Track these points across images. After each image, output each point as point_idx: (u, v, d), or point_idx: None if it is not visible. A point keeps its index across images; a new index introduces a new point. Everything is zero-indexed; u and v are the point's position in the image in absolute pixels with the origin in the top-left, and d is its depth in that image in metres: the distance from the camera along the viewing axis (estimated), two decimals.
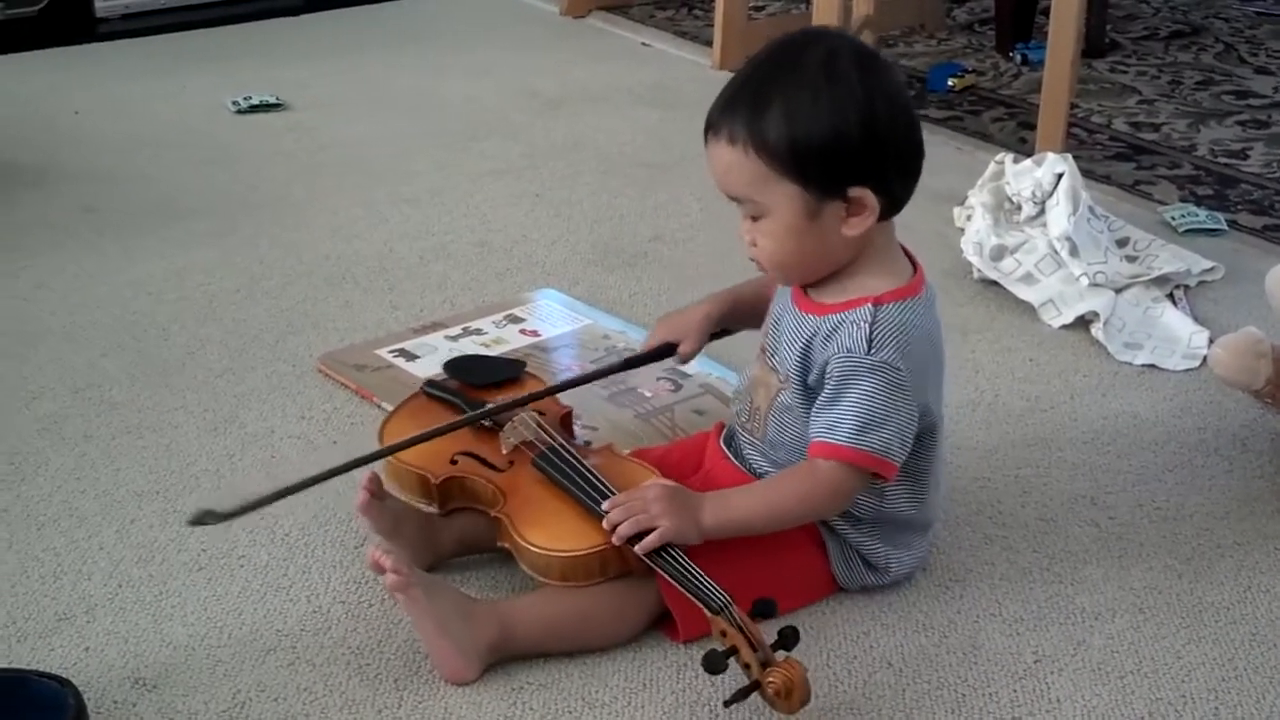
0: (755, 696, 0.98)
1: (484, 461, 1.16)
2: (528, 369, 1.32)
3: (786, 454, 1.13)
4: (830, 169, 1.05)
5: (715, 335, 1.26)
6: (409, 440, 1.15)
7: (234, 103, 2.33)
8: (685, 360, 1.25)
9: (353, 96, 2.42)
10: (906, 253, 1.14)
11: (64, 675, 1.00)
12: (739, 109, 1.06)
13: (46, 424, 1.41)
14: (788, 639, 0.99)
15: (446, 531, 1.18)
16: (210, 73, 2.50)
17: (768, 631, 1.00)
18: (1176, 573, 1.21)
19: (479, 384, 1.28)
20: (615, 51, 2.70)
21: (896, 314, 1.08)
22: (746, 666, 0.98)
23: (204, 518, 1.07)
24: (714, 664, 0.98)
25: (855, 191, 1.06)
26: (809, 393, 1.11)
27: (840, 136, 1.04)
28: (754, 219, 1.09)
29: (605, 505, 1.07)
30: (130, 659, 1.08)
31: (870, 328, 1.07)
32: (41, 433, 1.40)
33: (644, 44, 2.73)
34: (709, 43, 2.61)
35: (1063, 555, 1.23)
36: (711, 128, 1.08)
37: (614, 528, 1.05)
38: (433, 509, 1.16)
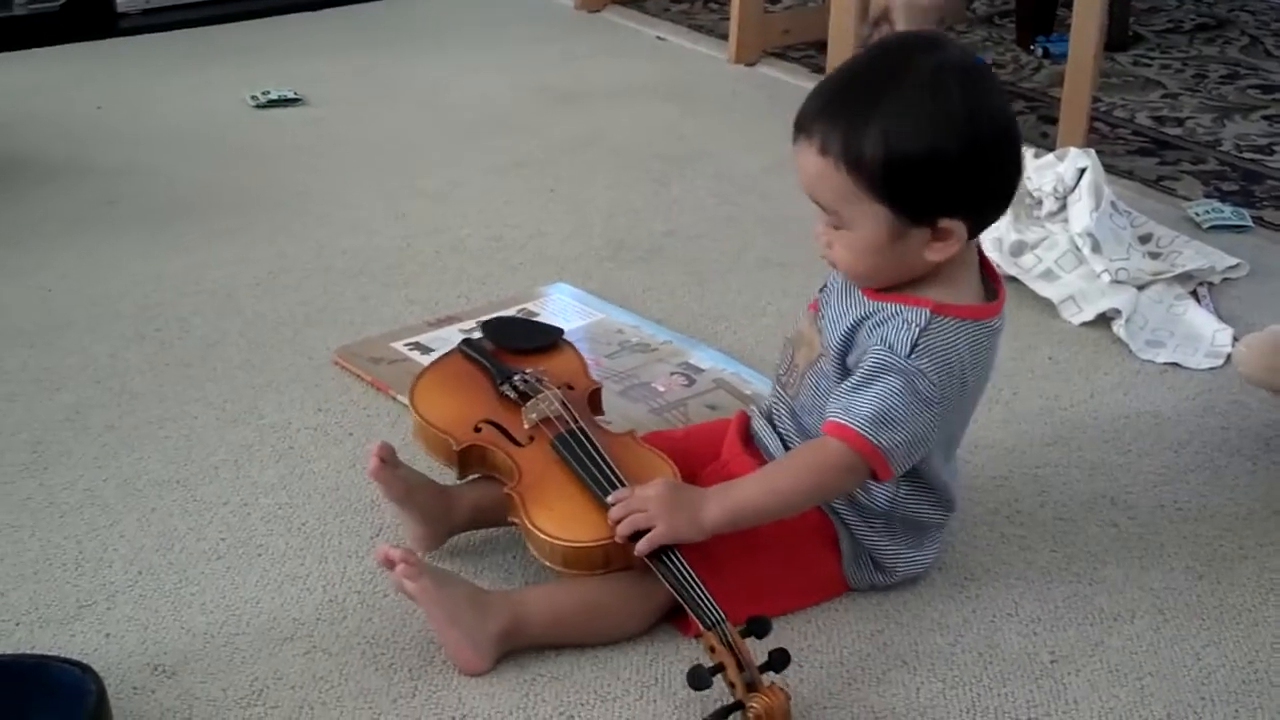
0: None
1: (506, 433, 1.17)
2: (564, 336, 1.32)
3: (815, 420, 1.11)
4: (923, 197, 1.02)
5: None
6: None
7: (253, 97, 2.33)
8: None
9: (370, 91, 2.42)
10: (993, 275, 1.11)
11: (85, 661, 1.01)
12: (835, 119, 1.02)
13: (69, 414, 1.42)
14: (777, 662, 0.99)
15: (463, 499, 1.18)
16: (230, 68, 2.51)
17: (760, 651, 0.99)
18: (1197, 574, 1.20)
19: (514, 348, 1.27)
20: (630, 46, 2.70)
21: (951, 330, 1.05)
22: (731, 686, 0.97)
23: None
24: (699, 680, 0.97)
25: (945, 222, 1.03)
26: (845, 371, 1.09)
27: (938, 164, 1.00)
28: (834, 226, 1.06)
29: (610, 499, 1.07)
30: (150, 646, 1.09)
31: (920, 332, 1.04)
32: (64, 422, 1.41)
33: (659, 38, 2.72)
34: (725, 37, 2.60)
35: (1081, 555, 1.22)
36: (803, 131, 1.04)
37: (616, 524, 1.05)
38: (452, 470, 1.17)
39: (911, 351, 1.04)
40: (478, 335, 1.31)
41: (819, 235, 1.09)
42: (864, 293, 1.10)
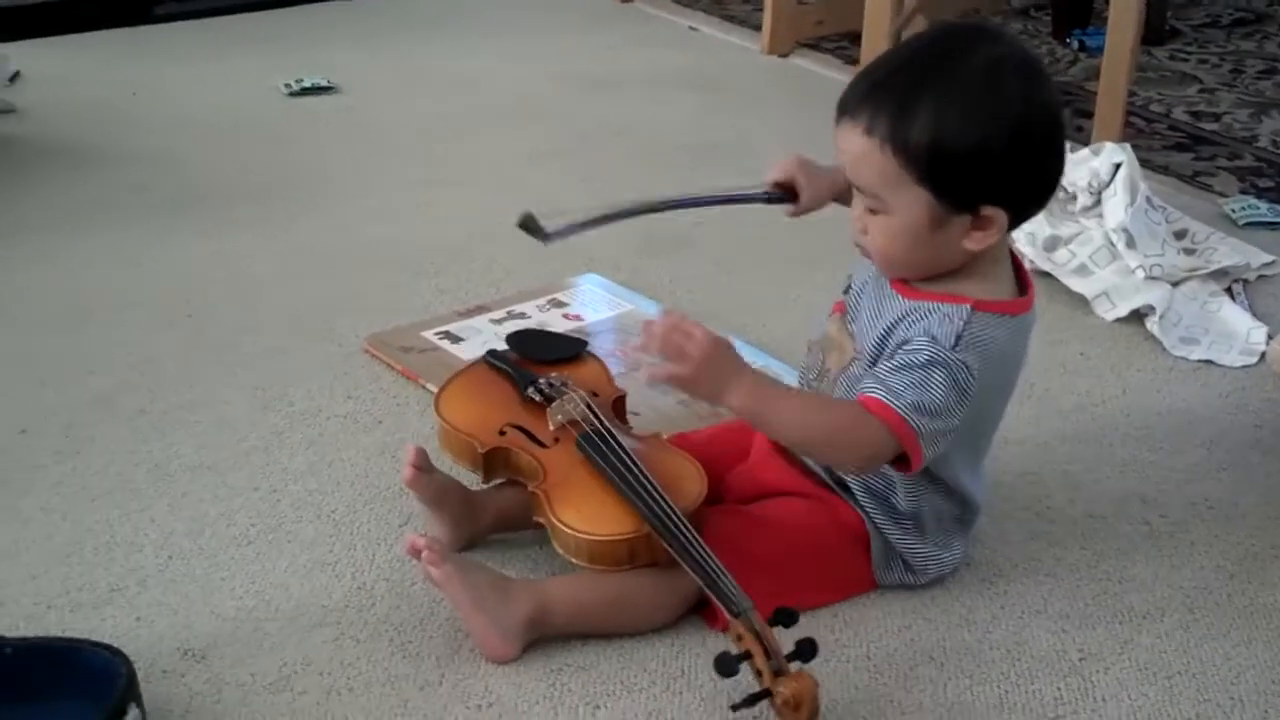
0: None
1: (531, 436, 1.17)
2: (588, 348, 1.33)
3: None
4: (969, 183, 1.01)
5: (838, 201, 1.18)
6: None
7: (286, 85, 2.35)
8: (796, 213, 1.17)
9: (402, 79, 2.43)
10: (1021, 270, 1.11)
11: (115, 645, 1.01)
12: (884, 100, 1.00)
13: (101, 398, 1.44)
14: (804, 651, 0.98)
15: (487, 506, 1.19)
16: (264, 55, 2.52)
17: (787, 641, 0.99)
18: (1228, 573, 1.19)
19: (538, 359, 1.29)
20: (662, 35, 2.69)
21: (992, 325, 1.05)
22: (759, 674, 0.97)
23: (529, 222, 1.06)
24: (725, 667, 0.97)
25: (988, 210, 1.02)
26: None
27: (987, 152, 0.99)
28: (872, 210, 1.05)
29: (662, 311, 1.04)
30: (180, 630, 1.10)
31: (963, 325, 1.03)
32: (96, 407, 1.42)
33: (691, 28, 2.71)
34: (757, 27, 2.60)
35: (1111, 553, 1.21)
36: (848, 112, 1.02)
37: (655, 333, 1.01)
38: (476, 475, 1.18)
39: (956, 344, 1.03)
40: (503, 347, 1.32)
41: (855, 220, 1.07)
42: (899, 293, 1.08)
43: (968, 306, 1.04)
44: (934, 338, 1.03)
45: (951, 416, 1.03)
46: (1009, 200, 1.02)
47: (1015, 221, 1.05)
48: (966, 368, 1.02)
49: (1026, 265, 1.66)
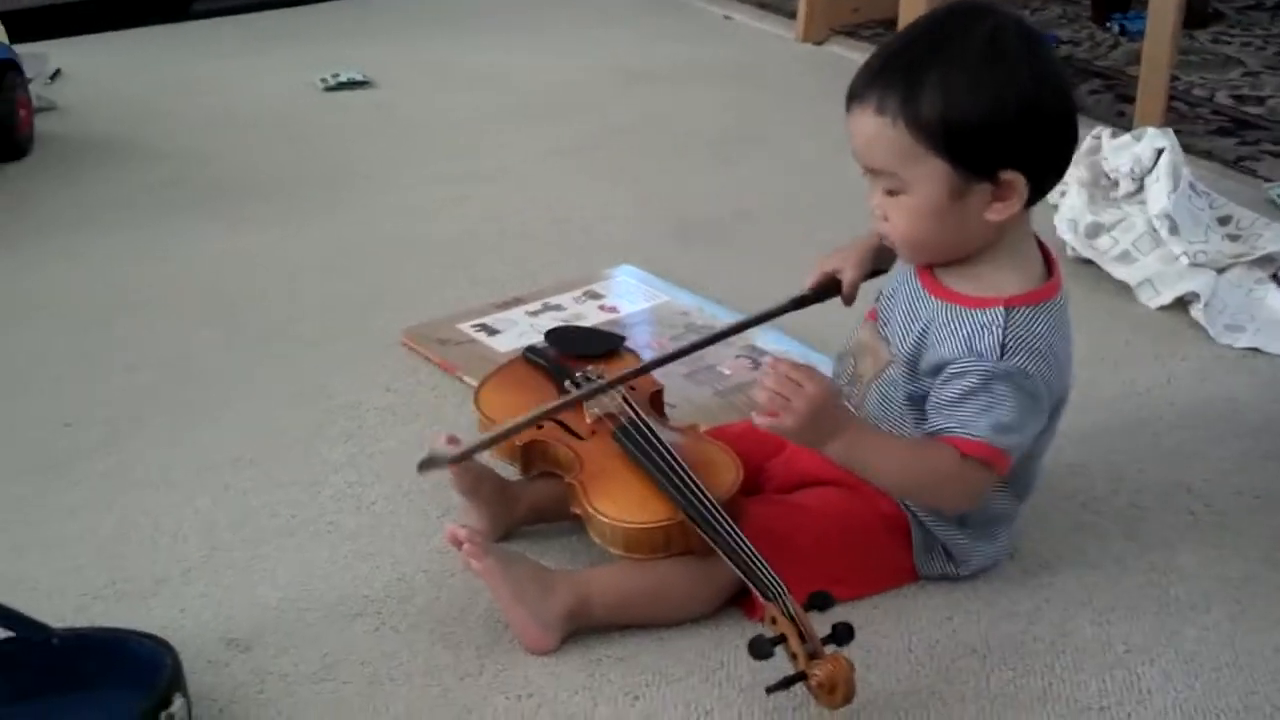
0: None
1: (567, 428, 1.18)
2: (626, 343, 1.34)
3: (886, 428, 1.11)
4: (984, 149, 1.01)
5: (875, 273, 1.19)
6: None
7: (322, 80, 2.36)
8: (848, 298, 1.19)
9: (438, 73, 2.44)
10: (1042, 247, 1.10)
11: (161, 635, 1.03)
12: (891, 79, 1.01)
13: (144, 391, 1.45)
14: (840, 635, 0.98)
15: (523, 497, 1.19)
16: (300, 50, 2.54)
17: (823, 625, 0.98)
18: (1275, 564, 1.18)
19: (576, 354, 1.30)
20: (697, 25, 2.68)
21: (1030, 319, 1.04)
22: (793, 656, 0.97)
23: (429, 464, 1.09)
24: (760, 650, 0.97)
25: (1008, 175, 1.02)
26: (916, 377, 1.08)
27: (999, 116, 0.99)
28: (890, 193, 1.05)
29: (769, 361, 1.06)
30: (224, 621, 1.11)
31: (1003, 333, 1.03)
32: (140, 400, 1.44)
33: (726, 17, 2.70)
34: (792, 15, 2.58)
35: (1157, 544, 1.20)
36: (857, 96, 1.03)
37: (764, 387, 1.04)
38: (514, 468, 1.18)
39: (1003, 354, 1.03)
40: (540, 342, 1.34)
41: (874, 208, 1.07)
42: (929, 290, 1.08)
43: (1000, 309, 1.04)
44: (980, 355, 1.03)
45: (1030, 423, 1.04)
46: (1026, 164, 1.02)
47: (1036, 190, 1.05)
48: (1023, 372, 1.03)
49: (1069, 253, 1.67)
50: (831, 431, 1.04)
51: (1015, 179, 1.02)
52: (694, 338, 1.45)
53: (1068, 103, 1.04)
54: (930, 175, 1.02)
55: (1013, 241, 1.06)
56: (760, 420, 1.04)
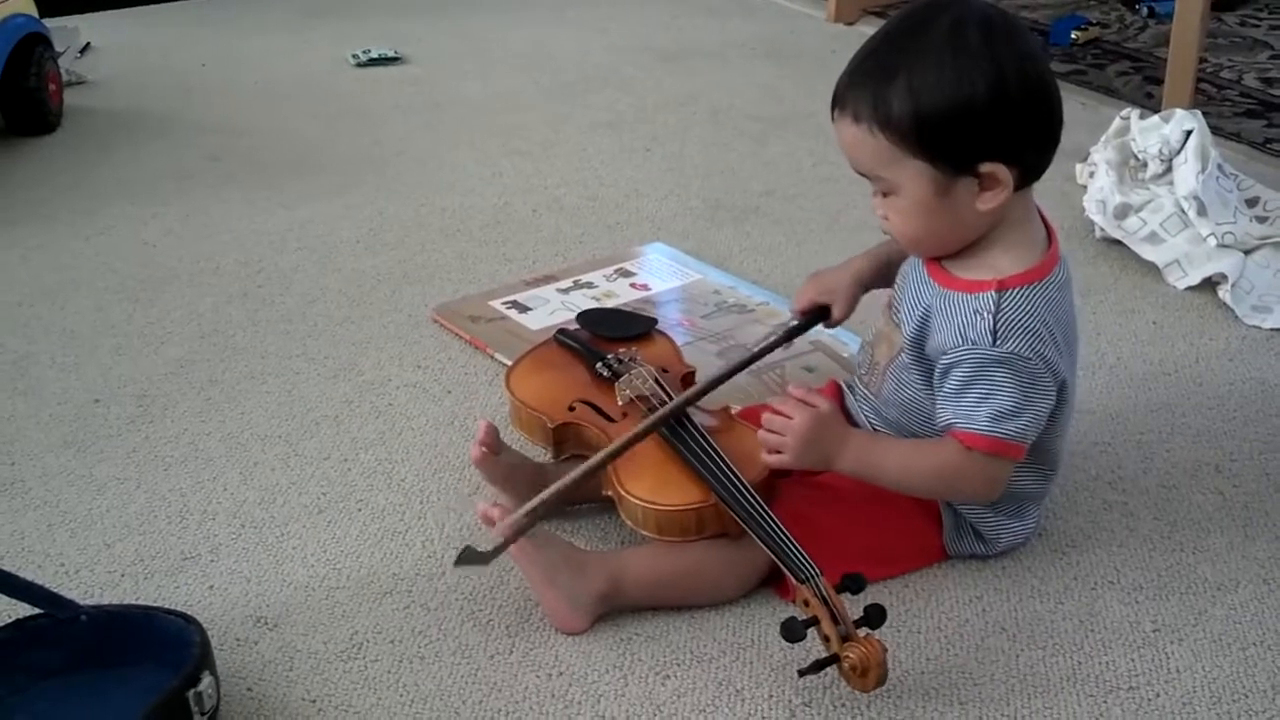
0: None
1: (600, 411, 1.18)
2: (658, 326, 1.34)
3: (900, 414, 1.12)
4: (959, 144, 1.01)
5: (870, 287, 1.21)
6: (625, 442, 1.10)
7: (354, 56, 2.36)
8: (835, 325, 1.22)
9: (468, 50, 2.43)
10: (1044, 219, 1.10)
11: (189, 612, 1.03)
12: (863, 85, 1.02)
13: (174, 367, 1.46)
14: (873, 617, 0.98)
15: (555, 479, 1.18)
16: (332, 26, 2.54)
17: (855, 607, 0.99)
18: None
19: (608, 337, 1.30)
20: (728, 4, 2.67)
21: (1022, 300, 1.04)
22: (826, 639, 0.97)
23: (468, 558, 1.06)
24: (792, 632, 0.97)
25: (987, 167, 1.02)
26: (923, 361, 1.09)
27: (967, 109, 0.99)
28: (884, 194, 1.06)
29: (764, 418, 1.08)
30: (252, 598, 1.11)
31: (994, 318, 1.03)
32: (169, 376, 1.44)
33: None
34: None
35: (1185, 523, 1.20)
36: (837, 103, 1.04)
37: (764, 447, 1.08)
38: (547, 451, 1.18)
39: (995, 339, 1.03)
40: (572, 324, 1.33)
41: (875, 208, 1.09)
42: (933, 277, 1.09)
43: (992, 293, 1.04)
44: (973, 342, 1.03)
45: (1037, 404, 1.04)
46: (1005, 153, 1.02)
47: (1025, 175, 1.04)
48: (1017, 355, 1.03)
49: (1097, 234, 1.66)
50: (834, 451, 1.07)
51: (996, 169, 1.02)
52: (723, 316, 1.46)
53: (1041, 82, 1.03)
54: (914, 176, 1.02)
55: (1013, 223, 1.06)
56: (766, 459, 1.08)
